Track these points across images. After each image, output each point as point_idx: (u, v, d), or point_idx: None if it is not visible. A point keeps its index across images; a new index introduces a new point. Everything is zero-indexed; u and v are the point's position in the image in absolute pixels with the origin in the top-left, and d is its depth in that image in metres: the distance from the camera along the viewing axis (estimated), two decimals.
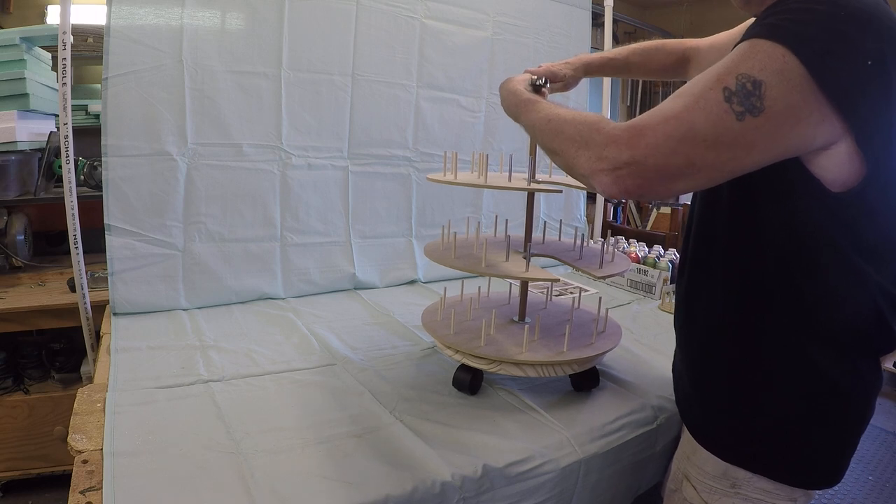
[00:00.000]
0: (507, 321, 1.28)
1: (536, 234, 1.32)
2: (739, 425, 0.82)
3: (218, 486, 0.84)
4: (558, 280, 1.29)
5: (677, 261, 1.47)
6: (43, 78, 1.97)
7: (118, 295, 1.52)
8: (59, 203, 1.54)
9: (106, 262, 1.52)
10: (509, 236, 1.26)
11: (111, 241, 1.52)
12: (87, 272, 1.60)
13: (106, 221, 1.51)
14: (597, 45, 2.91)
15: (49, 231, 2.22)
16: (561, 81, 1.18)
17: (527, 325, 1.22)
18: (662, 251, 2.07)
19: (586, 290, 1.89)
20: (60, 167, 1.61)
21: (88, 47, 2.30)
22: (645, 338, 1.53)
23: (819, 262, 0.72)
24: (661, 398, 1.16)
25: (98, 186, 1.86)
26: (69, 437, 0.95)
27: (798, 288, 0.74)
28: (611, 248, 1.26)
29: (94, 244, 1.64)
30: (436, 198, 2.05)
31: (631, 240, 2.32)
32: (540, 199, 2.30)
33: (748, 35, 0.65)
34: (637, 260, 2.01)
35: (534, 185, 1.14)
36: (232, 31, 1.62)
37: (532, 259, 1.15)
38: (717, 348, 0.84)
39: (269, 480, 0.86)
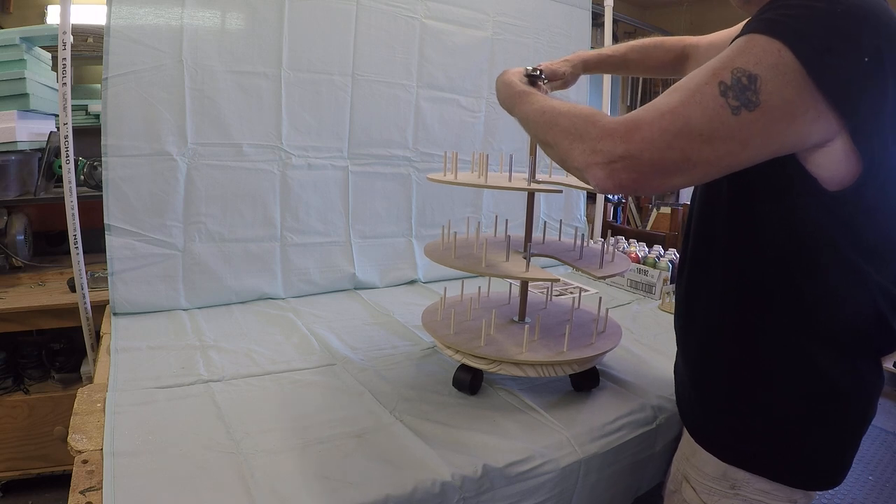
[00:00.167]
0: (507, 321, 1.28)
1: (536, 234, 1.32)
2: (739, 425, 0.82)
3: (218, 486, 0.84)
4: (558, 280, 1.29)
5: (677, 261, 1.47)
6: (43, 78, 1.97)
7: (118, 295, 1.52)
8: (59, 203, 1.54)
9: (106, 262, 1.52)
10: (509, 236, 1.26)
11: (111, 241, 1.52)
12: (87, 272, 1.60)
13: (106, 221, 1.51)
14: (597, 45, 2.91)
15: (49, 231, 2.22)
16: (560, 79, 1.18)
17: (527, 325, 1.22)
18: (662, 251, 2.07)
19: (586, 290, 1.89)
20: (60, 167, 1.61)
21: (88, 47, 2.30)
22: (645, 338, 1.52)
23: (819, 262, 0.72)
24: (661, 398, 1.16)
25: (98, 186, 1.86)
26: (69, 437, 0.95)
27: (798, 287, 0.74)
28: (611, 248, 1.26)
29: (94, 244, 1.64)
30: (436, 198, 2.05)
31: (631, 240, 2.32)
32: (540, 199, 2.30)
33: (745, 31, 0.65)
34: (637, 260, 2.01)
35: (534, 185, 1.14)
36: (232, 31, 1.62)
37: (532, 259, 1.15)
38: (716, 348, 0.83)
39: (269, 480, 0.86)
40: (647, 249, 2.10)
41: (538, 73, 1.06)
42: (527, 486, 0.95)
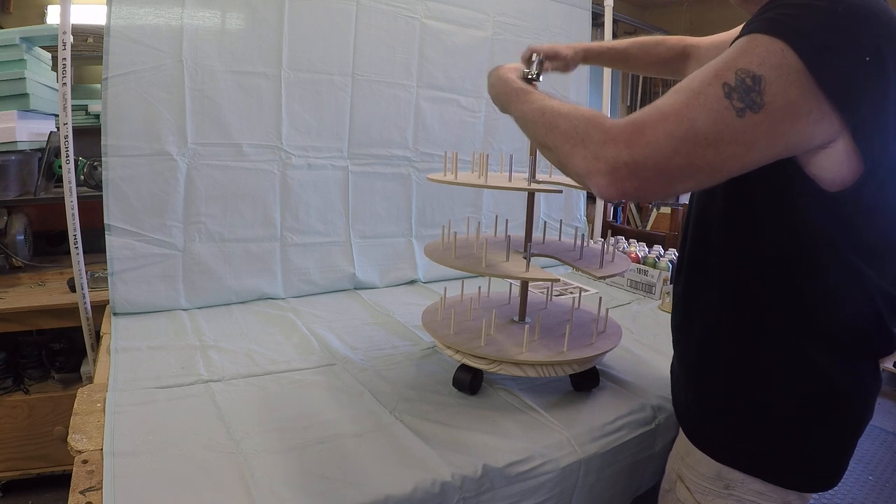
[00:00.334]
0: (508, 321, 1.28)
1: (536, 234, 1.32)
2: (736, 425, 0.81)
3: (218, 486, 0.84)
4: (558, 280, 1.29)
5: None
6: (43, 78, 1.97)
7: (118, 295, 1.52)
8: (59, 203, 1.54)
9: (106, 262, 1.52)
10: (509, 236, 1.26)
11: (111, 241, 1.52)
12: (87, 272, 1.60)
13: (106, 221, 1.51)
14: None
15: (49, 231, 2.22)
16: (562, 61, 1.17)
17: (527, 325, 1.22)
18: (662, 251, 2.07)
19: (586, 290, 1.89)
20: (60, 167, 1.61)
21: (88, 47, 2.30)
22: (645, 338, 1.52)
23: (818, 262, 0.71)
24: (660, 398, 1.16)
25: (98, 186, 1.86)
26: (69, 437, 0.95)
27: (797, 288, 0.73)
28: (611, 248, 1.26)
29: (94, 244, 1.65)
30: (436, 198, 2.05)
31: (631, 240, 2.32)
32: (540, 199, 2.30)
33: (747, 30, 0.64)
34: (637, 260, 2.01)
35: (534, 186, 1.14)
36: (232, 31, 1.62)
37: (532, 259, 1.15)
38: (714, 348, 0.83)
39: (269, 480, 0.86)
40: (647, 249, 2.10)
41: (536, 75, 1.04)
42: (527, 486, 0.95)
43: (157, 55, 1.51)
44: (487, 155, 1.18)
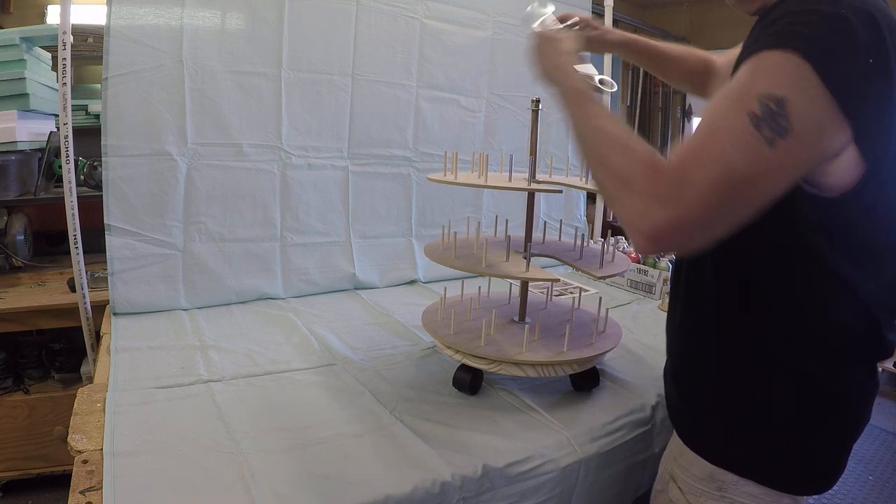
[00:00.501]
0: (508, 321, 1.28)
1: (536, 234, 1.32)
2: (730, 427, 0.81)
3: (218, 486, 0.84)
4: (558, 280, 1.29)
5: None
6: (43, 78, 1.97)
7: (118, 295, 1.52)
8: (59, 203, 1.54)
9: (106, 262, 1.52)
10: (509, 236, 1.26)
11: (111, 241, 1.52)
12: (87, 272, 1.60)
13: (106, 221, 1.51)
14: None
15: (49, 231, 2.22)
16: (598, 32, 1.11)
17: (527, 325, 1.23)
18: None
19: (586, 290, 1.89)
20: (60, 167, 1.61)
21: (88, 47, 2.30)
22: (645, 338, 1.52)
23: (814, 268, 0.71)
24: (660, 398, 1.16)
25: (98, 186, 1.86)
26: (69, 437, 0.95)
27: (793, 293, 0.73)
28: (611, 248, 1.26)
29: (94, 244, 1.64)
30: (436, 198, 2.05)
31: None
32: (540, 199, 2.30)
33: (756, 47, 0.62)
34: (637, 260, 2.01)
35: (534, 186, 1.14)
36: (232, 31, 1.62)
37: (532, 259, 1.15)
38: (710, 351, 0.83)
39: (269, 480, 0.86)
40: None
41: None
42: (527, 486, 0.96)
43: (157, 55, 1.51)
44: (487, 155, 1.18)
